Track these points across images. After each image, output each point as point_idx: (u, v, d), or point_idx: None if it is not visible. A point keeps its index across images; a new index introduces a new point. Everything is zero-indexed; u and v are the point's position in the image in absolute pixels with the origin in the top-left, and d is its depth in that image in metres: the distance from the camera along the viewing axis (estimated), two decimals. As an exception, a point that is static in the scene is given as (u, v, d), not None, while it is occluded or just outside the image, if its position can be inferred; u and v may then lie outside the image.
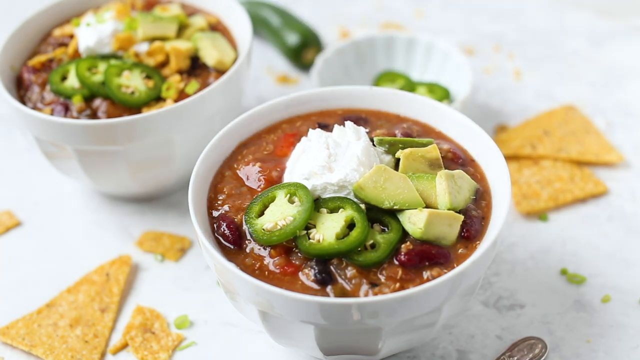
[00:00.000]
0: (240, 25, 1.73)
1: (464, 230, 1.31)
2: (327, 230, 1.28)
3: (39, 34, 1.76)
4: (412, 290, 1.21)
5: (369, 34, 1.97)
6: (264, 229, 1.29)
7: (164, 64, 1.64)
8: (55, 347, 1.47)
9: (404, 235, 1.29)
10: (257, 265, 1.29)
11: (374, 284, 1.25)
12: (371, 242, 1.28)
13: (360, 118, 1.48)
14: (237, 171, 1.42)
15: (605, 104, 1.89)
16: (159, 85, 1.60)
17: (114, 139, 1.54)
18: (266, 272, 1.28)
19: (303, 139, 1.40)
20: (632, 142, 1.80)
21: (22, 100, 1.64)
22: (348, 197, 1.31)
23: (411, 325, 1.27)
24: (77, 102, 1.58)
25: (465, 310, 1.50)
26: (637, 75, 1.96)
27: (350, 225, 1.29)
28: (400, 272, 1.26)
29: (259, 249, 1.30)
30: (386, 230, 1.30)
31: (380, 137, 1.38)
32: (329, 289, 1.26)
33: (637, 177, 1.72)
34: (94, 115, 1.59)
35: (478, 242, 1.31)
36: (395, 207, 1.29)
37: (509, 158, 1.75)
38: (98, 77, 1.60)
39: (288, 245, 1.29)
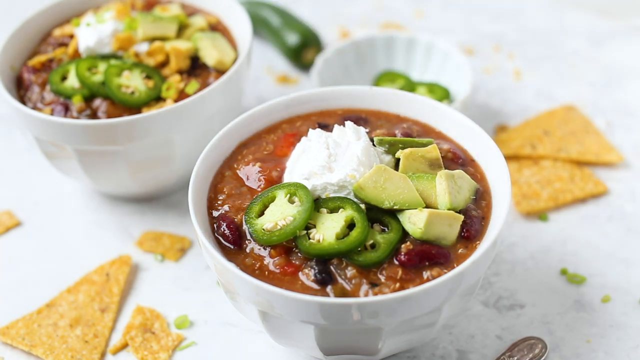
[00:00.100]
0: (240, 25, 1.73)
1: (464, 230, 1.31)
2: (327, 230, 1.28)
3: (39, 34, 1.76)
4: (412, 290, 1.21)
5: (369, 34, 1.97)
6: (264, 229, 1.29)
7: (164, 64, 1.64)
8: (55, 347, 1.48)
9: (404, 235, 1.29)
10: (257, 265, 1.29)
11: (374, 284, 1.25)
12: (371, 242, 1.28)
13: (360, 118, 1.48)
14: (237, 171, 1.42)
15: (605, 104, 1.89)
16: (159, 85, 1.60)
17: (114, 139, 1.54)
18: (266, 272, 1.28)
19: (303, 139, 1.40)
20: (632, 142, 1.80)
21: (22, 100, 1.64)
22: (348, 197, 1.31)
23: (411, 325, 1.27)
24: (77, 102, 1.58)
25: (465, 310, 1.50)
26: (637, 75, 1.96)
27: (350, 225, 1.29)
28: (400, 272, 1.26)
29: (259, 249, 1.30)
30: (386, 230, 1.30)
31: (380, 137, 1.38)
32: (329, 289, 1.26)
33: (637, 177, 1.72)
34: (94, 115, 1.59)
35: (478, 242, 1.31)
36: (395, 207, 1.29)
37: (509, 158, 1.75)
38: (98, 77, 1.60)
39: (288, 245, 1.29)
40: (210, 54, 1.64)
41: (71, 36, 1.72)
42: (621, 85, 1.94)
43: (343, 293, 1.25)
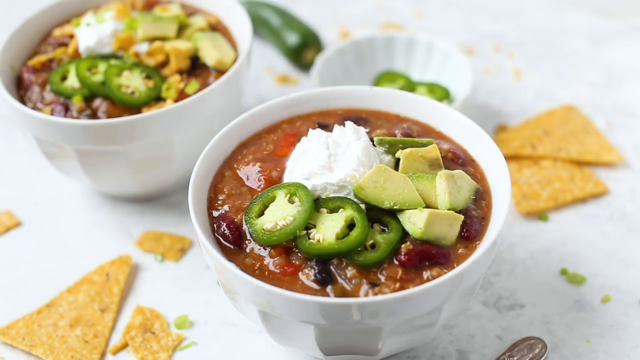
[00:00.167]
0: (240, 25, 1.73)
1: (464, 230, 1.31)
2: (327, 230, 1.28)
3: (39, 34, 1.76)
4: (412, 290, 1.21)
5: (369, 34, 1.97)
6: (264, 229, 1.29)
7: (164, 64, 1.64)
8: (55, 347, 1.48)
9: (404, 235, 1.29)
10: (257, 265, 1.29)
11: (374, 284, 1.25)
12: (371, 242, 1.28)
13: (360, 118, 1.48)
14: (237, 171, 1.42)
15: (605, 104, 1.89)
16: (159, 85, 1.60)
17: (114, 139, 1.54)
18: (266, 272, 1.28)
19: (303, 139, 1.40)
20: (632, 142, 1.80)
21: (22, 100, 1.64)
22: (348, 197, 1.31)
23: (411, 325, 1.27)
24: (77, 102, 1.58)
25: (465, 310, 1.50)
26: (637, 75, 1.96)
27: (350, 225, 1.29)
28: (400, 272, 1.26)
29: (259, 249, 1.30)
30: (386, 230, 1.30)
31: (380, 137, 1.38)
32: (329, 289, 1.26)
33: (637, 177, 1.72)
34: (94, 115, 1.59)
35: (478, 242, 1.31)
36: (395, 207, 1.29)
37: (509, 158, 1.75)
38: (98, 77, 1.60)
39: (288, 245, 1.29)
40: (210, 54, 1.64)
41: (71, 36, 1.72)
42: (621, 85, 1.94)
43: (343, 293, 1.25)
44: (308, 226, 1.30)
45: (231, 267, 1.26)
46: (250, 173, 1.40)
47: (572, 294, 1.52)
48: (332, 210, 1.30)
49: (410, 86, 1.83)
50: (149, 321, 1.51)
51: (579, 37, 2.08)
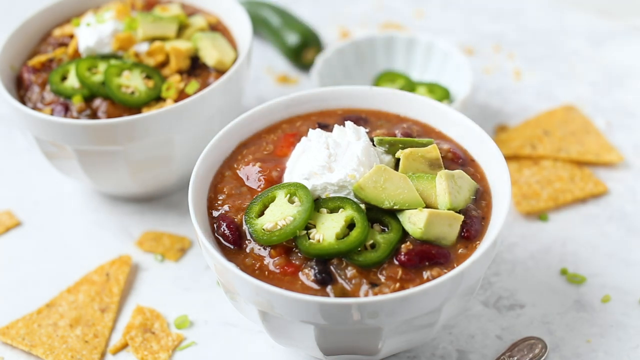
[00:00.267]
0: (240, 25, 1.73)
1: (464, 230, 1.31)
2: (327, 230, 1.28)
3: (39, 34, 1.76)
4: (412, 290, 1.21)
5: (369, 34, 1.97)
6: (264, 229, 1.29)
7: (164, 64, 1.64)
8: (55, 347, 1.48)
9: (404, 235, 1.29)
10: (257, 265, 1.29)
11: (374, 284, 1.25)
12: (371, 242, 1.28)
13: (360, 118, 1.48)
14: (237, 171, 1.42)
15: (605, 104, 1.89)
16: (159, 85, 1.60)
17: (114, 139, 1.54)
18: (266, 272, 1.28)
19: (303, 139, 1.40)
20: (632, 142, 1.80)
21: (22, 100, 1.64)
22: (348, 197, 1.31)
23: (411, 325, 1.27)
24: (77, 102, 1.58)
25: (465, 310, 1.50)
26: (637, 75, 1.96)
27: (350, 225, 1.29)
28: (400, 272, 1.26)
29: (259, 249, 1.30)
30: (386, 230, 1.30)
31: (380, 137, 1.38)
32: (329, 289, 1.26)
33: (637, 177, 1.72)
34: (94, 115, 1.59)
35: (478, 242, 1.31)
36: (395, 207, 1.29)
37: (509, 158, 1.75)
38: (98, 77, 1.60)
39: (288, 245, 1.29)
40: (210, 54, 1.64)
41: (71, 36, 1.72)
42: (621, 85, 1.94)
43: (343, 293, 1.25)
44: (308, 226, 1.30)
45: (231, 267, 1.26)
46: (250, 173, 1.40)
47: (572, 294, 1.52)
48: (332, 210, 1.30)
49: (410, 86, 1.83)
50: (149, 321, 1.51)
51: (579, 37, 2.08)
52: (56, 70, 1.62)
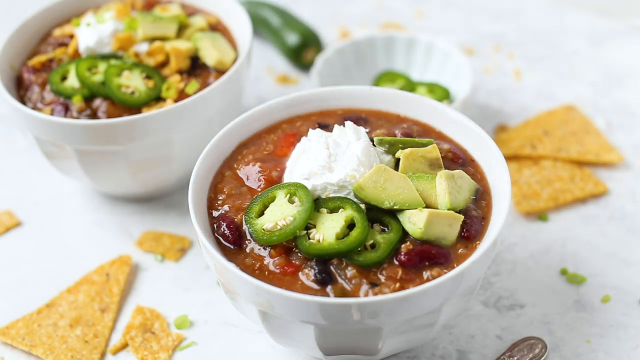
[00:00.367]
0: (240, 25, 1.73)
1: (464, 230, 1.31)
2: (327, 230, 1.28)
3: (39, 34, 1.76)
4: (412, 290, 1.21)
5: (369, 34, 1.97)
6: (264, 229, 1.29)
7: (164, 64, 1.64)
8: (55, 347, 1.48)
9: (404, 235, 1.29)
10: (257, 265, 1.29)
11: (374, 284, 1.25)
12: (371, 242, 1.28)
13: (360, 118, 1.48)
14: (237, 171, 1.42)
15: (605, 104, 1.89)
16: (159, 85, 1.60)
17: (114, 139, 1.54)
18: (266, 272, 1.28)
19: (303, 139, 1.40)
20: (632, 142, 1.80)
21: (22, 100, 1.64)
22: (348, 197, 1.31)
23: (411, 325, 1.27)
24: (77, 102, 1.59)
25: (465, 310, 1.50)
26: (637, 75, 1.96)
27: (350, 225, 1.29)
28: (400, 272, 1.26)
29: (259, 249, 1.30)
30: (386, 230, 1.30)
31: (380, 137, 1.38)
32: (329, 289, 1.26)
33: (637, 177, 1.72)
34: (94, 115, 1.59)
35: (478, 242, 1.31)
36: (395, 207, 1.29)
37: (509, 158, 1.75)
38: (98, 77, 1.60)
39: (288, 245, 1.29)
40: (210, 54, 1.64)
41: (71, 36, 1.72)
42: (621, 85, 1.94)
43: (343, 293, 1.25)
44: (308, 226, 1.30)
45: (231, 267, 1.26)
46: (250, 173, 1.40)
47: (572, 294, 1.52)
48: (332, 210, 1.30)
49: (410, 86, 1.83)
50: (149, 321, 1.51)
51: (579, 37, 2.08)
52: (56, 70, 1.62)
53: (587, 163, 1.74)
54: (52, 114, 1.59)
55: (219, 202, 1.38)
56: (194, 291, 1.57)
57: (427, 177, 1.33)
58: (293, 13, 2.08)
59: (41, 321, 1.52)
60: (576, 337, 1.46)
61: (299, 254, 1.29)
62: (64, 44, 1.71)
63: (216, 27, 1.75)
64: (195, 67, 1.65)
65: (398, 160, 1.36)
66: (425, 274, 1.27)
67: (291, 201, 1.31)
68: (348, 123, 1.39)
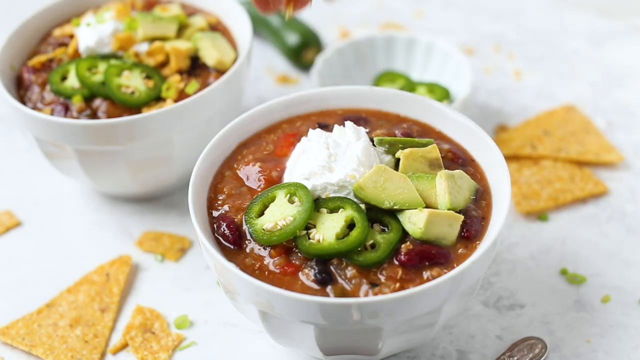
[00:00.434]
0: (240, 25, 1.73)
1: (464, 230, 1.31)
2: (327, 230, 1.28)
3: (39, 34, 1.76)
4: (412, 290, 1.21)
5: (369, 34, 1.97)
6: (264, 229, 1.29)
7: (164, 64, 1.64)
8: (55, 347, 1.48)
9: (404, 235, 1.29)
10: (257, 265, 1.29)
11: (374, 284, 1.25)
12: (371, 242, 1.28)
13: (360, 118, 1.48)
14: (237, 171, 1.42)
15: (605, 104, 1.89)
16: (159, 85, 1.60)
17: (114, 139, 1.54)
18: (266, 272, 1.28)
19: (303, 139, 1.40)
20: (632, 142, 1.80)
21: (22, 100, 1.65)
22: (348, 197, 1.31)
23: (411, 325, 1.27)
24: (77, 102, 1.59)
25: (465, 310, 1.50)
26: (637, 75, 1.96)
27: (350, 225, 1.29)
28: (400, 272, 1.26)
29: (259, 249, 1.30)
30: (386, 230, 1.30)
31: (380, 137, 1.38)
32: (329, 289, 1.26)
33: (637, 177, 1.72)
34: (94, 115, 1.59)
35: (478, 242, 1.31)
36: (395, 207, 1.29)
37: (509, 158, 1.75)
38: (98, 77, 1.60)
39: (288, 245, 1.29)
40: (210, 54, 1.64)
41: (71, 36, 1.72)
42: (621, 85, 1.94)
43: (343, 293, 1.25)
44: (308, 226, 1.30)
45: (231, 267, 1.26)
46: (250, 173, 1.40)
47: (572, 294, 1.52)
48: (332, 210, 1.30)
49: (410, 86, 1.83)
50: (149, 321, 1.51)
51: (579, 37, 2.08)
52: (56, 70, 1.63)
53: (587, 163, 1.74)
54: (52, 114, 1.59)
55: (219, 202, 1.38)
56: (194, 291, 1.57)
57: (427, 177, 1.33)
58: (293, 13, 2.08)
59: (41, 321, 1.52)
60: (576, 337, 1.46)
61: (299, 254, 1.29)
62: (64, 44, 1.71)
63: (216, 27, 1.75)
64: (195, 67, 1.65)
65: (398, 160, 1.36)
66: (425, 274, 1.27)
67: (291, 201, 1.31)
68: (348, 123, 1.39)
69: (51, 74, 1.62)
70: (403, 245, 1.28)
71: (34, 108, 1.61)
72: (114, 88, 1.57)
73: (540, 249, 1.60)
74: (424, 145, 1.37)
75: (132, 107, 1.58)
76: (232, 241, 1.32)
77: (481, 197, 1.37)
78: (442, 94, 1.80)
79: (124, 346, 1.49)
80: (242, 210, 1.35)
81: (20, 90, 1.66)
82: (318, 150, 1.35)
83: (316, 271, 1.26)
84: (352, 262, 1.27)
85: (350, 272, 1.26)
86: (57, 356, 1.46)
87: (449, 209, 1.30)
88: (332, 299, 1.21)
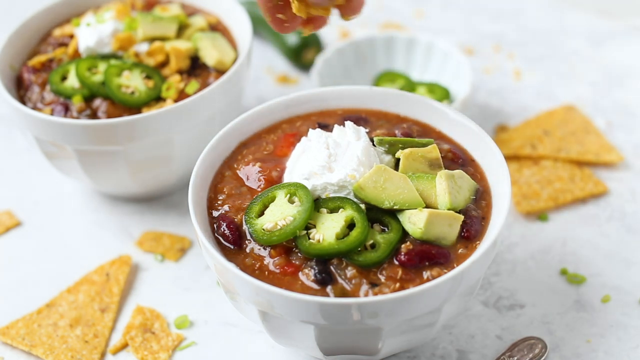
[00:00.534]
0: (240, 25, 1.73)
1: (464, 230, 1.31)
2: (327, 230, 1.28)
3: (39, 34, 1.76)
4: (412, 290, 1.21)
5: (369, 34, 1.97)
6: (264, 229, 1.29)
7: (164, 64, 1.64)
8: (55, 347, 1.48)
9: (404, 235, 1.29)
10: (257, 265, 1.29)
11: (374, 284, 1.25)
12: (371, 242, 1.28)
13: (360, 118, 1.48)
14: (237, 171, 1.42)
15: (605, 104, 1.89)
16: (159, 85, 1.60)
17: (114, 139, 1.54)
18: (266, 272, 1.28)
19: (303, 139, 1.40)
20: (632, 142, 1.80)
21: (22, 100, 1.65)
22: (348, 197, 1.31)
23: (411, 325, 1.27)
24: (77, 102, 1.59)
25: (465, 310, 1.50)
26: (637, 75, 1.96)
27: (350, 225, 1.29)
28: (400, 272, 1.26)
29: (259, 249, 1.30)
30: (386, 230, 1.30)
31: (380, 137, 1.38)
32: (329, 289, 1.26)
33: (637, 177, 1.72)
34: (94, 115, 1.59)
35: (478, 242, 1.31)
36: (395, 207, 1.29)
37: (509, 158, 1.75)
38: (98, 77, 1.60)
39: (288, 245, 1.29)
40: (210, 54, 1.64)
41: (71, 36, 1.72)
42: (621, 85, 1.94)
43: (343, 293, 1.25)
44: (308, 226, 1.30)
45: (231, 267, 1.26)
46: (250, 173, 1.40)
47: (572, 294, 1.52)
48: (332, 210, 1.30)
49: (410, 86, 1.83)
50: (149, 321, 1.51)
51: (579, 37, 2.08)
52: (56, 70, 1.63)
53: (587, 163, 1.74)
54: (52, 114, 1.59)
55: (219, 202, 1.38)
56: (194, 291, 1.57)
57: (427, 177, 1.33)
58: (293, 13, 2.08)
59: (41, 321, 1.52)
60: (576, 337, 1.46)
61: (299, 254, 1.29)
62: (64, 44, 1.71)
63: (216, 27, 1.75)
64: (195, 67, 1.65)
65: (398, 160, 1.36)
66: (425, 274, 1.27)
67: (291, 201, 1.31)
68: (348, 123, 1.39)
69: (51, 74, 1.62)
70: (403, 245, 1.28)
71: (34, 108, 1.61)
72: (114, 88, 1.57)
73: (540, 249, 1.60)
74: (424, 145, 1.37)
75: (132, 107, 1.58)
76: (232, 241, 1.32)
77: (481, 197, 1.37)
78: (442, 94, 1.80)
79: (124, 346, 1.49)
80: (242, 210, 1.35)
81: (20, 90, 1.66)
82: (318, 150, 1.35)
83: (316, 271, 1.26)
84: (352, 262, 1.27)
85: (350, 272, 1.26)
86: (57, 356, 1.46)
87: (449, 209, 1.30)
88: (332, 299, 1.21)
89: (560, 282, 1.54)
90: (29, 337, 1.49)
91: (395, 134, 1.43)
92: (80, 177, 1.65)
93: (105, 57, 1.64)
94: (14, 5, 2.24)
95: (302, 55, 2.00)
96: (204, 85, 1.62)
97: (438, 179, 1.32)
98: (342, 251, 1.26)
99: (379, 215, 1.30)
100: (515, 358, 1.42)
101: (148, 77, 1.61)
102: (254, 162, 1.41)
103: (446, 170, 1.34)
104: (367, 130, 1.44)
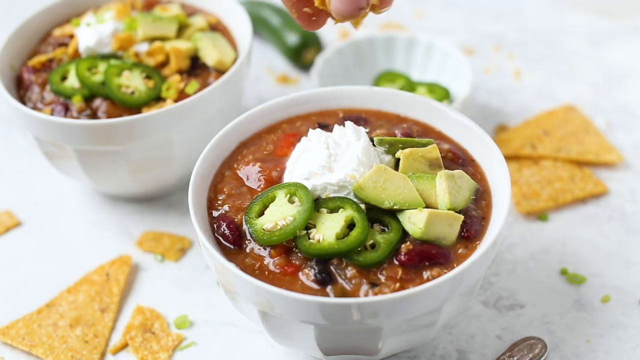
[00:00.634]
0: (240, 25, 1.73)
1: (464, 230, 1.31)
2: (327, 230, 1.28)
3: (39, 34, 1.76)
4: (412, 290, 1.21)
5: (369, 34, 1.97)
6: (264, 229, 1.29)
7: (164, 64, 1.64)
8: (55, 347, 1.48)
9: (404, 235, 1.29)
10: (257, 265, 1.29)
11: (374, 284, 1.25)
12: (371, 242, 1.28)
13: (360, 118, 1.48)
14: (237, 171, 1.42)
15: (605, 104, 1.89)
16: (159, 85, 1.60)
17: (114, 139, 1.54)
18: (266, 272, 1.28)
19: (303, 139, 1.40)
20: (632, 142, 1.80)
21: (22, 100, 1.65)
22: (348, 197, 1.31)
23: (411, 325, 1.27)
24: (77, 102, 1.59)
25: (465, 310, 1.50)
26: (637, 75, 1.96)
27: (350, 225, 1.29)
28: (400, 272, 1.26)
29: (259, 249, 1.30)
30: (386, 230, 1.30)
31: (380, 137, 1.38)
32: (329, 289, 1.26)
33: (637, 177, 1.72)
34: (94, 115, 1.59)
35: (478, 242, 1.31)
36: (395, 207, 1.29)
37: (509, 158, 1.75)
38: (98, 77, 1.60)
39: (288, 245, 1.29)
40: (210, 54, 1.64)
41: (71, 36, 1.72)
42: (621, 85, 1.94)
43: (343, 293, 1.25)
44: (308, 226, 1.30)
45: (231, 267, 1.26)
46: (250, 173, 1.40)
47: (572, 294, 1.52)
48: (332, 210, 1.30)
49: (410, 86, 1.83)
50: (149, 321, 1.51)
51: (579, 37, 2.08)
52: (56, 70, 1.63)
53: (587, 163, 1.74)
54: (52, 114, 1.59)
55: (219, 202, 1.38)
56: (194, 291, 1.57)
57: (427, 177, 1.33)
58: (293, 13, 2.08)
59: (41, 321, 1.52)
60: (576, 337, 1.46)
61: (299, 254, 1.29)
62: (64, 44, 1.71)
63: (216, 27, 1.75)
64: (195, 67, 1.65)
65: (398, 160, 1.36)
66: (425, 274, 1.27)
67: (291, 201, 1.31)
68: (348, 123, 1.39)
69: (51, 74, 1.62)
70: (403, 245, 1.28)
71: (34, 108, 1.61)
72: (114, 88, 1.57)
73: (540, 249, 1.60)
74: (424, 145, 1.37)
75: (132, 107, 1.58)
76: (232, 241, 1.32)
77: (481, 197, 1.37)
78: (442, 94, 1.80)
79: (124, 346, 1.49)
80: (242, 210, 1.35)
81: (20, 90, 1.66)
82: (318, 150, 1.35)
83: (316, 271, 1.26)
84: (352, 262, 1.27)
85: (350, 272, 1.26)
86: (57, 356, 1.46)
87: (449, 209, 1.30)
88: (332, 299, 1.21)
89: (560, 282, 1.54)
90: (29, 337, 1.49)
91: (395, 134, 1.43)
92: (80, 177, 1.65)
93: (105, 57, 1.64)
94: (14, 5, 2.24)
95: (302, 55, 2.00)
96: (204, 85, 1.62)
97: (438, 179, 1.32)
98: (342, 251, 1.26)
99: (379, 215, 1.30)
100: (515, 358, 1.42)
101: (148, 77, 1.61)
102: (254, 162, 1.41)
103: (446, 170, 1.34)
104: (367, 130, 1.44)
